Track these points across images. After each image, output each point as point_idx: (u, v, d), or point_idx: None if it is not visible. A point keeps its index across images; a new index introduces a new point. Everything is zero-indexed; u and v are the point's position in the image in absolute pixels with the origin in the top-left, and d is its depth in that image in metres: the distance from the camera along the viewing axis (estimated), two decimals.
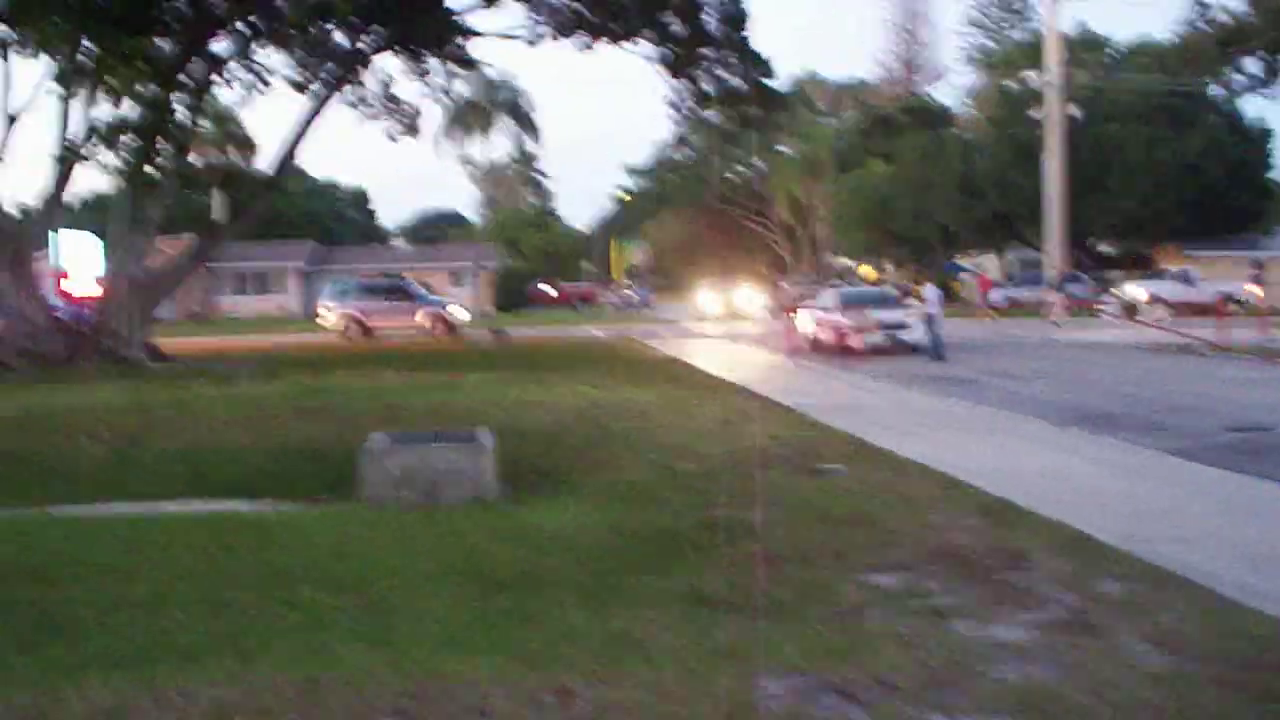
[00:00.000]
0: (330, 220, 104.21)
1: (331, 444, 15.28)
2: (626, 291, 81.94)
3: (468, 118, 76.87)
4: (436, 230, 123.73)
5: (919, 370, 26.52)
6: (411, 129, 34.58)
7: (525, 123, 79.62)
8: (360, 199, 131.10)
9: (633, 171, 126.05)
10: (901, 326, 31.31)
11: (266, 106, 59.76)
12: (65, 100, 28.06)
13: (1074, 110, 54.02)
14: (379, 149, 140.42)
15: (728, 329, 47.86)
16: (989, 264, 73.53)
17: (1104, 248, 66.09)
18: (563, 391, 20.49)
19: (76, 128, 28.39)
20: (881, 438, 15.08)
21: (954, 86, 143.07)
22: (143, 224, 29.25)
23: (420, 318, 44.12)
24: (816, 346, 33.44)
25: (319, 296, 49.40)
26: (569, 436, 15.72)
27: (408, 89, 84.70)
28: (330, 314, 45.01)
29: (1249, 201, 61.49)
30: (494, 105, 77.14)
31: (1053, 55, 53.19)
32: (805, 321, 34.67)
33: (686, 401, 19.15)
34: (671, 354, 31.60)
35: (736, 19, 29.13)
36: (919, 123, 74.12)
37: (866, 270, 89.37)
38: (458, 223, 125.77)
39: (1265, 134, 63.71)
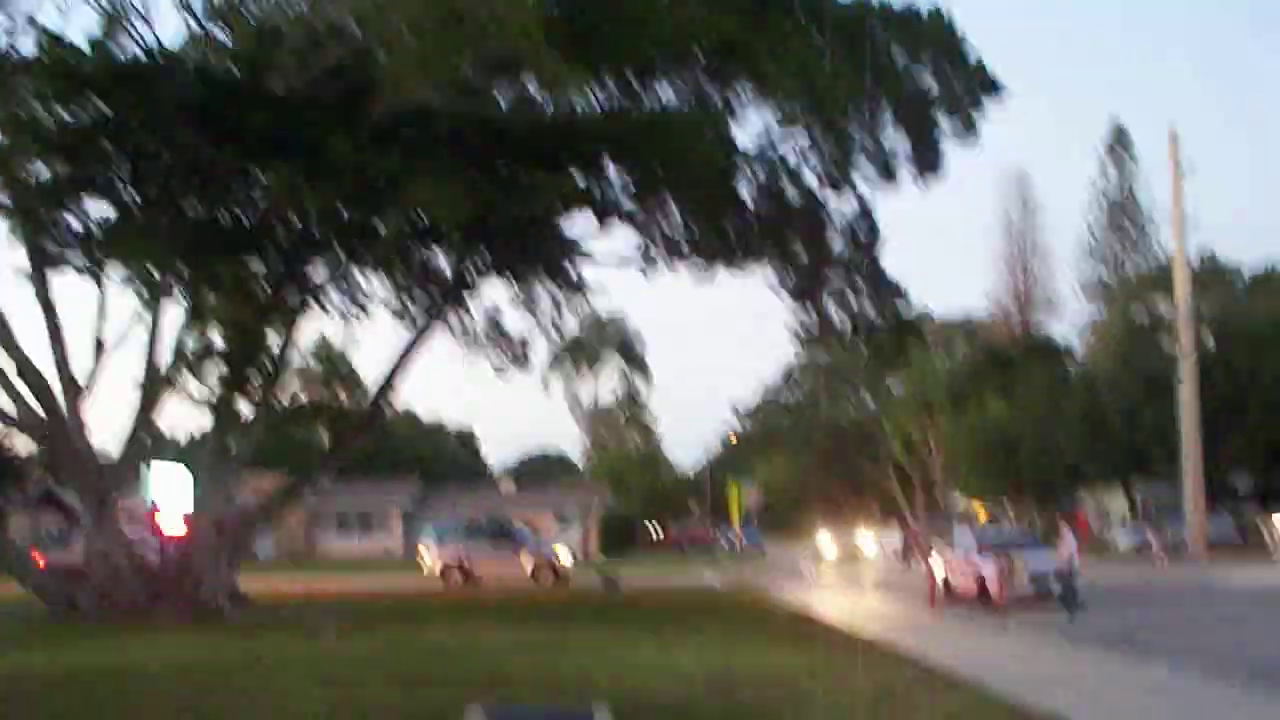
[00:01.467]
0: (436, 460, 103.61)
1: (422, 717, 13.02)
2: (737, 536, 79.22)
3: (576, 355, 75.90)
4: (542, 470, 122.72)
5: (1080, 625, 23.45)
6: (519, 361, 32.85)
7: (635, 362, 78.45)
8: (467, 439, 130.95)
9: (740, 412, 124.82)
10: (1065, 574, 28.21)
11: (370, 345, 59.49)
12: (153, 326, 26.86)
13: (1208, 337, 51.48)
14: (485, 389, 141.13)
15: (849, 573, 44.95)
16: (1116, 502, 69.87)
17: (1242, 481, 62.41)
18: (688, 654, 17.94)
19: (165, 355, 27.16)
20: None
21: (1069, 320, 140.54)
22: (231, 459, 27.58)
23: (525, 561, 41.70)
24: (950, 595, 30.48)
25: (419, 537, 47.37)
26: (701, 715, 13.21)
27: (515, 322, 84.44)
28: (430, 556, 42.84)
29: None
30: (603, 343, 76.15)
31: (1181, 281, 50.95)
32: (938, 566, 31.70)
33: (834, 669, 16.49)
34: (800, 606, 28.77)
35: (868, 240, 27.26)
36: (1038, 358, 71.65)
37: (980, 509, 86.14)
38: (563, 463, 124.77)
39: None
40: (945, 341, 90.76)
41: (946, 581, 30.83)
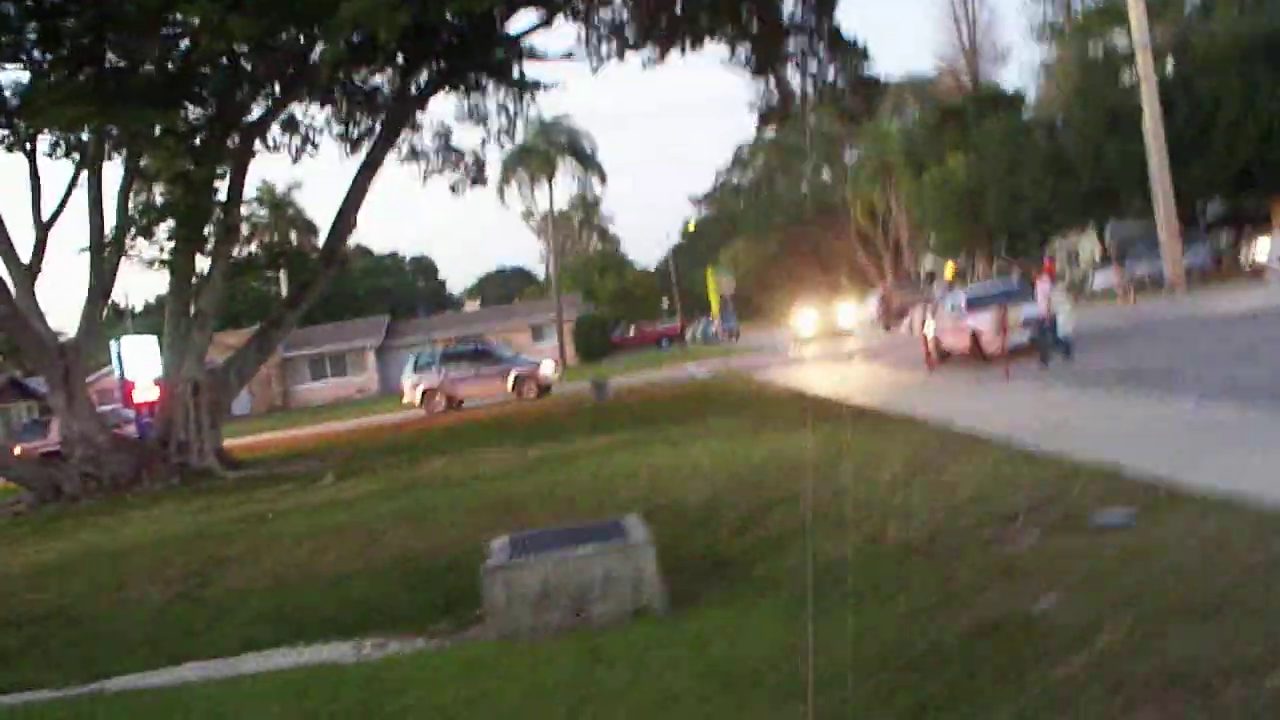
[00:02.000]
0: (399, 293, 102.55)
1: (440, 555, 12.52)
2: (712, 324, 78.84)
3: (527, 162, 74.07)
4: (506, 288, 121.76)
5: (1079, 369, 22.99)
6: (476, 178, 31.66)
7: (588, 163, 76.69)
8: (427, 268, 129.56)
9: (697, 201, 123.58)
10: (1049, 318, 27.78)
11: (320, 183, 57.95)
12: (94, 192, 25.52)
13: (1167, 61, 50.25)
14: (438, 215, 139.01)
15: (834, 348, 44.48)
16: (1087, 243, 69.49)
17: (1212, 207, 61.84)
18: (699, 450, 17.32)
19: (111, 221, 25.87)
20: (1140, 464, 11.64)
21: (1019, 68, 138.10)
22: (198, 319, 26.55)
23: (510, 381, 41.11)
24: (945, 356, 30.03)
25: (400, 373, 46.65)
26: (729, 509, 12.61)
27: (465, 137, 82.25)
28: (414, 389, 42.18)
29: None
30: (554, 148, 74.27)
31: (1136, 8, 49.38)
32: (929, 328, 31.15)
33: (848, 443, 15.85)
34: (794, 385, 28.26)
35: (824, 3, 25.88)
36: (992, 109, 70.39)
37: (949, 268, 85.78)
38: (524, 276, 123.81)
39: None
40: (897, 104, 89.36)
41: (938, 342, 30.36)
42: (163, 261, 25.76)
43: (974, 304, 29.58)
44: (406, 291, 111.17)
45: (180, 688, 8.79)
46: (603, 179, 79.86)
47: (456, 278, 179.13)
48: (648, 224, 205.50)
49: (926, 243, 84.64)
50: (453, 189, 31.72)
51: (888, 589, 8.55)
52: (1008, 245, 66.93)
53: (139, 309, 72.59)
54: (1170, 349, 24.33)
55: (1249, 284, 42.10)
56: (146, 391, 26.83)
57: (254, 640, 9.98)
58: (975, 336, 28.28)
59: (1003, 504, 10.66)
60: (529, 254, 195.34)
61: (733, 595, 9.33)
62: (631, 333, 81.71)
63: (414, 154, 30.80)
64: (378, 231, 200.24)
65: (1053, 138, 61.64)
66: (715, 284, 67.09)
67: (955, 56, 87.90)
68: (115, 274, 26.57)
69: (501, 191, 77.48)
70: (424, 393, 41.55)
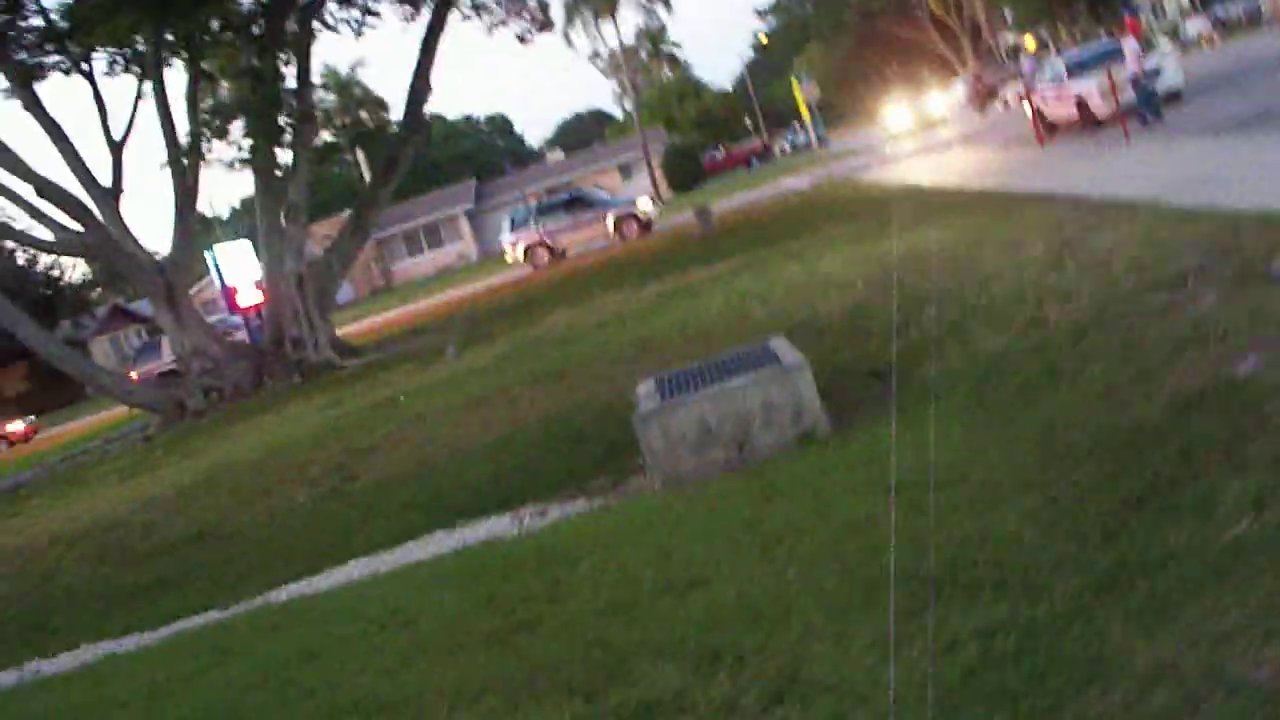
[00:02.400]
0: (480, 155, 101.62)
1: (585, 409, 11.99)
2: (799, 135, 77.00)
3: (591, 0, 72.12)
4: (585, 133, 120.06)
5: (1200, 119, 21.52)
6: (543, 24, 30.54)
7: None
8: (503, 126, 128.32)
9: (763, 13, 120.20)
10: (1157, 75, 26.21)
11: (383, 59, 56.72)
12: (161, 104, 24.91)
13: None
14: (507, 72, 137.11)
15: (930, 138, 42.92)
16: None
17: None
18: (827, 262, 16.46)
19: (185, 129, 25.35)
20: None
21: None
22: (290, 213, 26.03)
23: (610, 223, 40.32)
24: (1052, 129, 28.60)
25: (496, 234, 46.02)
26: (874, 316, 11.81)
27: None
28: (515, 247, 41.61)
29: None
30: None
31: None
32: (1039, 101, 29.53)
33: (983, 231, 14.93)
34: (904, 182, 27.11)
35: None
36: None
37: (1029, 41, 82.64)
38: (604, 120, 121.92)
39: None
40: None
41: (1041, 115, 28.85)
42: (243, 160, 25.21)
43: (1076, 69, 28.08)
44: (487, 152, 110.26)
45: (349, 588, 8.43)
46: (668, 4, 77.44)
47: (534, 131, 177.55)
48: (717, 45, 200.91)
49: (1004, 20, 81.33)
50: (520, 39, 30.69)
51: (1069, 374, 7.85)
52: (1088, 9, 63.78)
53: (226, 216, 72.52)
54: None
55: None
56: (250, 295, 26.55)
57: (411, 528, 9.57)
58: (1082, 103, 26.80)
59: (1168, 268, 9.77)
60: (602, 95, 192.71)
61: (897, 407, 8.60)
62: (720, 156, 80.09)
63: (476, 8, 29.68)
64: (449, 97, 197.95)
65: None
66: (800, 93, 64.99)
67: None
68: (198, 182, 26.12)
69: (567, 35, 75.77)
70: (526, 249, 41.02)
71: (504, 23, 30.27)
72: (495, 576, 7.43)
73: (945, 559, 5.34)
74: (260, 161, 25.29)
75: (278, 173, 26.24)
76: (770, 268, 17.76)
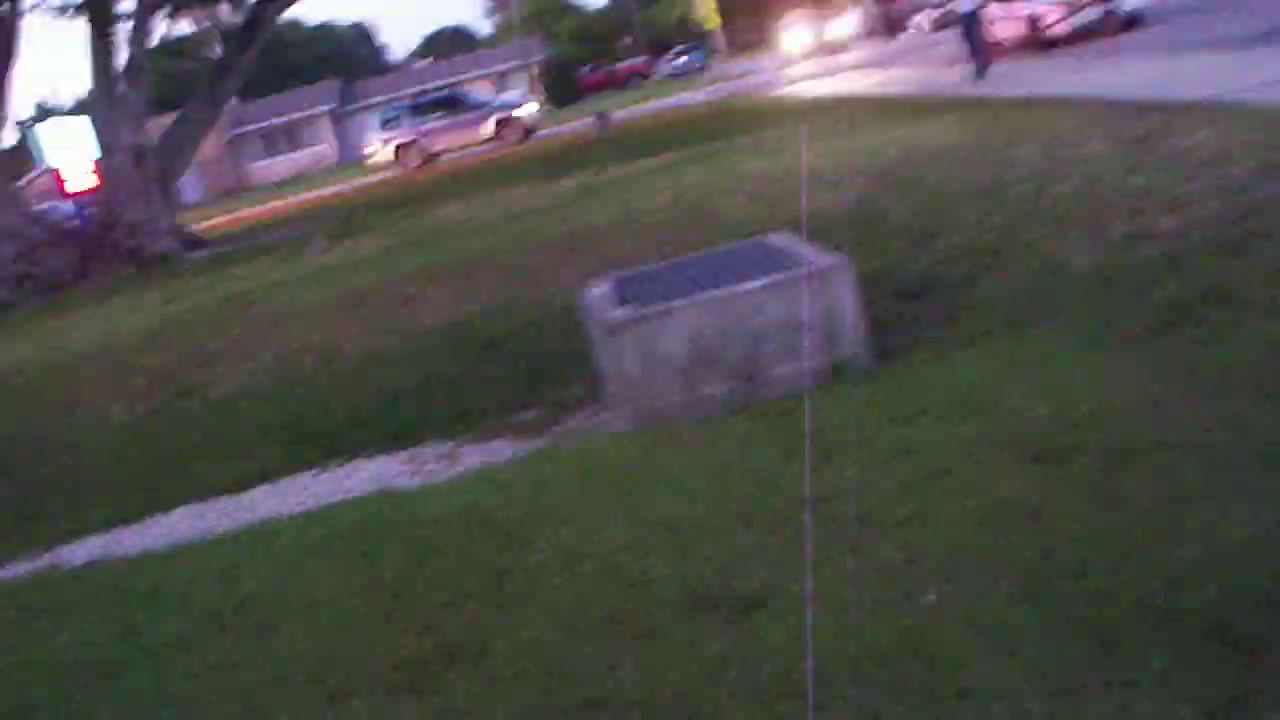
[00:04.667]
0: (342, 62, 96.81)
1: (501, 315, 9.18)
2: (681, 58, 73.80)
3: None
4: (452, 50, 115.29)
5: (1164, 39, 19.11)
6: None
7: None
8: (366, 35, 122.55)
9: None
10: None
11: None
12: None
13: None
14: None
15: (846, 60, 40.16)
16: None
17: None
18: (797, 154, 13.60)
19: None
20: None
21: None
22: (128, 73, 22.27)
23: (489, 127, 36.90)
24: (999, 46, 26.00)
25: (362, 138, 42.25)
26: (894, 216, 9.13)
27: None
28: (385, 145, 38.01)
29: None
30: None
31: None
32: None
33: (996, 128, 12.25)
34: (841, 93, 24.15)
35: None
36: None
37: None
38: (471, 40, 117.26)
39: None
40: None
41: (996, 36, 26.17)
42: (76, 8, 21.38)
43: None
44: (349, 60, 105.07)
45: (172, 552, 5.73)
46: None
47: (398, 44, 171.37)
48: None
49: None
50: None
51: (1196, 295, 5.59)
52: None
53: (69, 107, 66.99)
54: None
55: None
56: (83, 178, 22.91)
57: (266, 465, 6.90)
58: (1034, 20, 24.29)
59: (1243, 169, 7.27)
60: (467, 12, 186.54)
61: (958, 334, 6.21)
62: (595, 73, 76.48)
63: None
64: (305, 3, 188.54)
65: None
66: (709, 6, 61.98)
67: None
68: (15, 33, 22.26)
69: None
70: (398, 148, 37.45)
71: None
72: (400, 555, 4.81)
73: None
74: (94, 9, 21.42)
75: (114, 26, 22.35)
76: (721, 161, 14.86)
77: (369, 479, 6.33)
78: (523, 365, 7.66)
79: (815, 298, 6.17)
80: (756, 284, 6.21)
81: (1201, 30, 18.68)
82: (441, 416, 7.00)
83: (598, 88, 71.91)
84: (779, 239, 7.28)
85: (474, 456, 6.30)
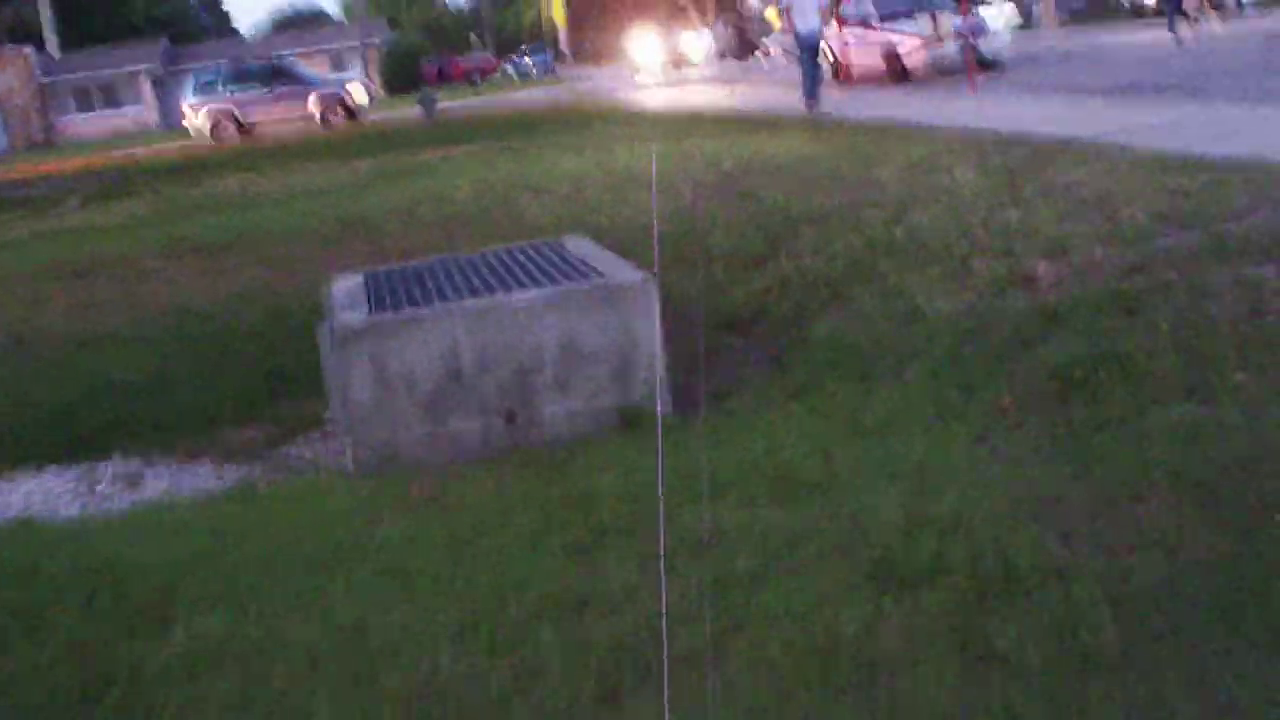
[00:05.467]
0: (180, 24, 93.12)
1: (246, 306, 7.67)
2: (525, 60, 72.28)
3: None
4: (300, 27, 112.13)
5: (1040, 84, 18.35)
6: None
7: None
8: (210, 2, 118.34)
9: None
10: (983, 33, 22.99)
11: None
12: None
13: None
14: None
15: (692, 77, 39.05)
16: None
17: None
18: (618, 154, 12.20)
19: None
20: None
21: None
22: None
23: (312, 104, 34.67)
24: (849, 75, 25.06)
25: (182, 98, 39.67)
26: (718, 233, 7.76)
27: None
28: (197, 112, 35.50)
29: None
30: None
31: None
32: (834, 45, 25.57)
33: (828, 151, 11.02)
34: (688, 106, 22.66)
35: None
36: None
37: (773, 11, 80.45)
38: (321, 19, 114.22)
39: None
40: None
41: (850, 63, 25.11)
42: None
43: (889, 14, 24.62)
44: (188, 22, 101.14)
45: None
46: None
47: (245, 19, 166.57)
48: None
49: None
50: None
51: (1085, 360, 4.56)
52: None
53: None
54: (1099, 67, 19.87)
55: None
56: None
57: None
58: (891, 50, 23.35)
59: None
60: None
61: (788, 382, 5.13)
62: (441, 66, 74.53)
63: None
64: None
65: None
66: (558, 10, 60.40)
67: None
68: None
69: None
70: (213, 116, 35.01)
71: None
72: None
73: None
74: None
75: None
76: (536, 156, 13.42)
77: (24, 499, 5.05)
78: (258, 369, 6.21)
79: (607, 319, 4.85)
80: (532, 295, 4.89)
81: (1064, 78, 17.99)
82: (142, 424, 5.52)
83: (440, 79, 70.00)
84: (577, 244, 5.93)
85: (162, 481, 5.17)
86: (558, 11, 56.99)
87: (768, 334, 5.72)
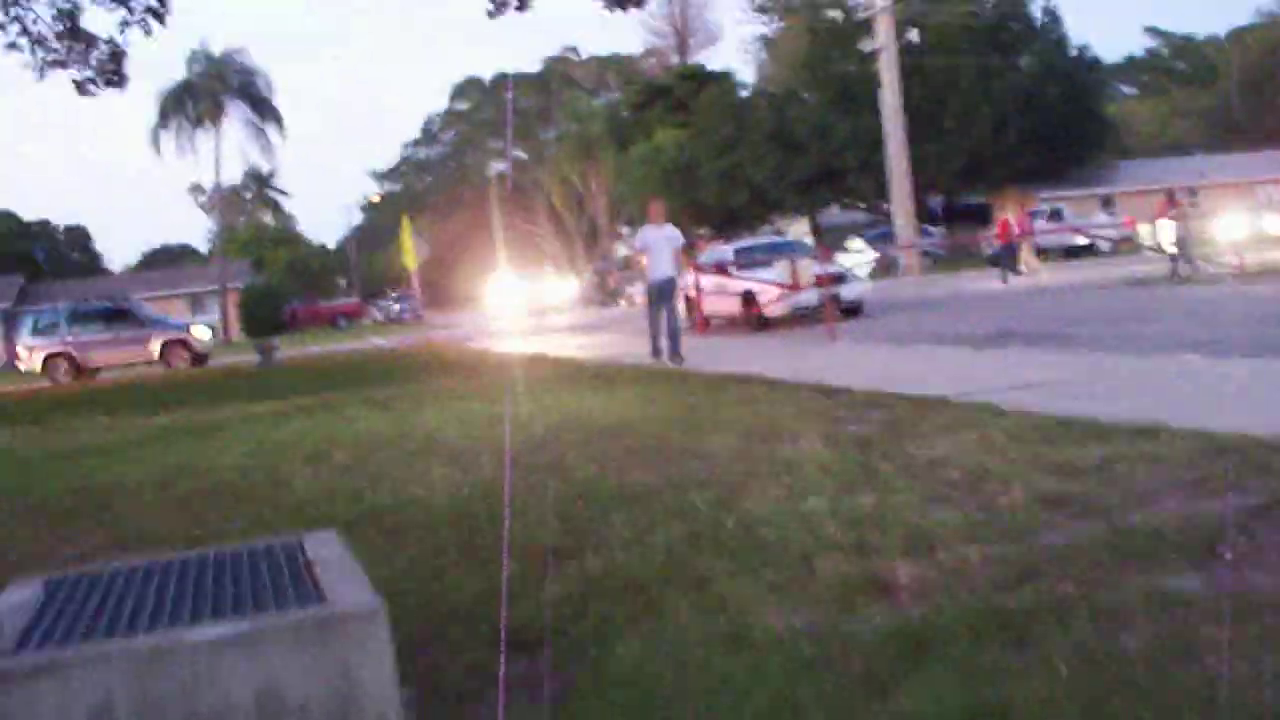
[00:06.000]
0: (50, 264, 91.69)
1: None
2: (392, 303, 71.69)
3: (192, 103, 64.07)
4: (168, 264, 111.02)
5: (897, 332, 17.64)
6: (113, 76, 24.11)
7: (264, 109, 66.64)
8: (79, 238, 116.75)
9: (380, 175, 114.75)
10: (843, 280, 22.58)
11: None
12: None
13: (912, 35, 46.25)
14: (97, 182, 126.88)
15: (546, 323, 38.30)
16: (800, 230, 65.46)
17: (935, 202, 58.54)
18: (431, 416, 10.86)
19: None
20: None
21: (735, 44, 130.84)
22: None
23: (154, 346, 33.19)
24: (705, 323, 24.44)
25: (17, 338, 37.73)
26: (521, 516, 6.37)
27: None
28: (32, 353, 33.68)
29: (1090, 132, 55.39)
30: (223, 86, 64.29)
31: None
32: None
33: (665, 412, 9.81)
34: (540, 353, 21.57)
35: None
36: (707, 85, 65.96)
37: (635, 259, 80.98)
38: (192, 255, 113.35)
39: (1094, 61, 57.91)
40: (599, 80, 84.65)
41: (708, 309, 24.62)
42: None
43: (747, 260, 24.17)
44: (57, 262, 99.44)
45: None
46: (280, 126, 69.80)
47: (118, 253, 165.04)
48: (325, 200, 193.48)
49: (628, 222, 79.43)
50: (80, 87, 24.09)
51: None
52: (723, 226, 61.83)
53: None
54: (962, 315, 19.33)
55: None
56: None
57: None
58: (749, 297, 22.77)
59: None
60: (197, 232, 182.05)
61: None
62: (303, 309, 73.60)
63: (26, 34, 23.12)
64: (25, 197, 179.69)
65: (777, 111, 57.22)
66: (411, 245, 59.65)
67: (665, 35, 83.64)
68: None
69: (157, 137, 66.58)
70: (46, 359, 33.20)
71: (62, 63, 23.72)
72: None
73: None
74: None
75: None
76: (340, 415, 11.97)
77: None
78: None
79: (321, 661, 3.44)
80: (219, 631, 3.43)
81: (927, 325, 17.23)
82: None
83: (305, 322, 68.95)
84: (318, 544, 4.52)
85: None
86: (408, 256, 56.33)
87: (560, 657, 4.35)
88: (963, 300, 24.64)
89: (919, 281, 36.72)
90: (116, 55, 24.06)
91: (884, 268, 44.61)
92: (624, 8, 20.38)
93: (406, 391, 13.93)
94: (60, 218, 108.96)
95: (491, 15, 21.78)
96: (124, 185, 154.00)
